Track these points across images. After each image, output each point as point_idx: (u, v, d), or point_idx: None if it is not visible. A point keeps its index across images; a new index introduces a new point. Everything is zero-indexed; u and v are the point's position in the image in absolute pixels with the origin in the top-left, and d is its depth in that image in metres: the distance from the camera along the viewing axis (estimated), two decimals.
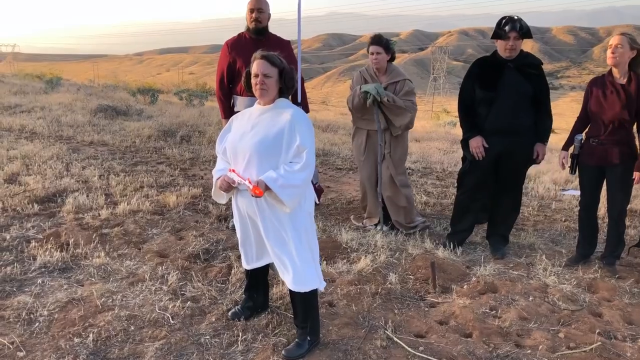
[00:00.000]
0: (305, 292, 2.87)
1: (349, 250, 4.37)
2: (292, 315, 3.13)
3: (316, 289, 2.95)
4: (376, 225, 4.95)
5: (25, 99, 13.95)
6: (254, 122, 2.84)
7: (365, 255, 4.19)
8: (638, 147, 3.95)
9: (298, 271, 2.84)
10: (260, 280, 3.28)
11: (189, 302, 3.46)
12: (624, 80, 3.85)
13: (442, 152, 10.12)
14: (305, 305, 2.95)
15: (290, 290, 2.92)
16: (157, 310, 3.35)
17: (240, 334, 3.10)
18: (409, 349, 3.00)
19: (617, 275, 4.02)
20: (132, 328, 3.15)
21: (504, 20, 4.07)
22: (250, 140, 2.77)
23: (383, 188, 4.83)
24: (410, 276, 3.98)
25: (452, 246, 4.43)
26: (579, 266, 4.16)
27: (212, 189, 3.01)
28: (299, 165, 2.71)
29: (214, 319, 3.28)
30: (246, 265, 3.16)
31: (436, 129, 17.41)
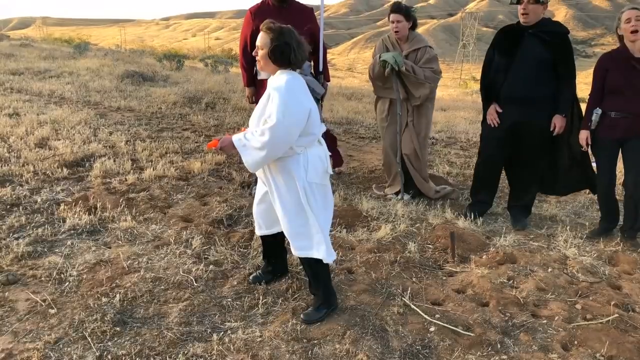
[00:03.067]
0: (309, 259, 2.96)
1: (369, 218, 4.41)
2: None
3: (322, 260, 2.98)
4: (397, 194, 4.98)
5: (54, 64, 14.15)
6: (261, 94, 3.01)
7: (385, 224, 4.24)
8: None
9: (293, 237, 2.95)
10: (274, 246, 3.36)
11: (211, 266, 3.56)
12: None
13: (468, 121, 10.02)
14: (312, 271, 3.04)
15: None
16: (181, 273, 3.46)
17: (261, 298, 3.20)
18: (426, 315, 3.06)
19: (639, 249, 4.00)
20: (157, 289, 3.27)
21: None
22: (254, 114, 2.97)
23: (406, 151, 4.83)
24: (430, 245, 4.02)
25: (472, 216, 4.44)
26: (601, 239, 4.14)
27: None
28: (260, 130, 2.76)
29: (235, 283, 3.38)
30: (258, 232, 3.29)
31: (463, 98, 17.21)
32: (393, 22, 4.58)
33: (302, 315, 3.02)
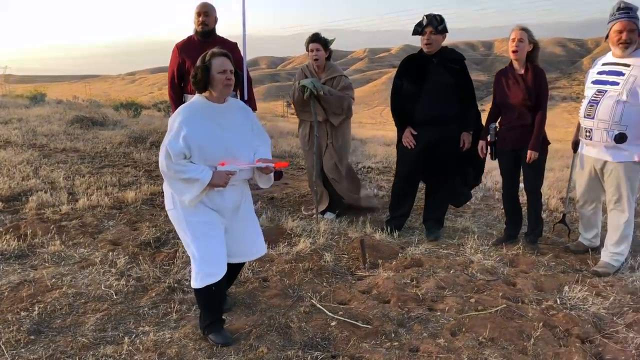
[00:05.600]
0: None
1: (292, 235, 4.64)
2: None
3: None
4: (323, 213, 5.24)
5: (4, 112, 14.21)
6: (225, 121, 2.95)
7: (306, 239, 4.47)
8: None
9: (262, 236, 3.27)
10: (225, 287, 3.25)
11: (133, 281, 3.73)
12: (522, 71, 4.19)
13: None
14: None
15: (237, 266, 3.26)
16: (102, 288, 3.62)
17: (176, 306, 3.37)
18: (329, 313, 3.28)
19: (537, 251, 4.32)
20: (77, 303, 3.41)
21: (423, 17, 4.41)
22: (238, 139, 2.99)
23: (329, 172, 5.12)
24: (345, 255, 4.26)
25: (389, 230, 4.72)
26: (503, 244, 4.46)
27: (192, 195, 2.87)
28: (268, 145, 3.17)
29: (154, 294, 3.55)
30: (218, 277, 2.93)
31: None
32: (312, 50, 4.94)
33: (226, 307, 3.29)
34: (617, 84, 3.75)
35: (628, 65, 3.74)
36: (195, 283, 2.92)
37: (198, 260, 2.91)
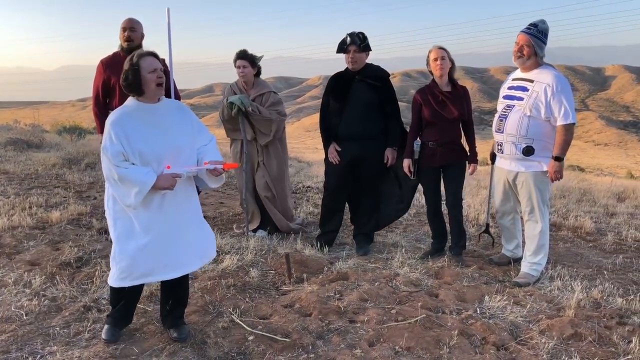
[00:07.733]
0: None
1: (220, 252, 4.55)
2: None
3: None
4: (255, 230, 5.19)
5: None
6: (162, 120, 2.91)
7: (233, 256, 4.40)
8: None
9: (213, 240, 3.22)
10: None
11: (47, 301, 3.57)
12: (449, 88, 4.30)
13: None
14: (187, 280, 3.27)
15: (176, 281, 3.08)
16: (12, 309, 3.45)
17: (90, 325, 3.24)
18: (248, 328, 3.22)
19: (462, 263, 4.39)
20: None
21: (346, 35, 4.49)
22: (178, 139, 2.92)
23: (261, 191, 5.08)
24: (272, 271, 4.22)
25: (319, 245, 4.71)
26: (429, 257, 4.51)
27: (136, 199, 2.78)
28: (213, 144, 3.11)
29: (67, 314, 3.41)
30: (130, 282, 2.93)
31: None
32: (240, 67, 4.93)
33: (176, 337, 3.09)
34: (522, 99, 3.90)
35: (532, 81, 3.89)
36: (111, 281, 2.99)
37: (117, 261, 2.93)
